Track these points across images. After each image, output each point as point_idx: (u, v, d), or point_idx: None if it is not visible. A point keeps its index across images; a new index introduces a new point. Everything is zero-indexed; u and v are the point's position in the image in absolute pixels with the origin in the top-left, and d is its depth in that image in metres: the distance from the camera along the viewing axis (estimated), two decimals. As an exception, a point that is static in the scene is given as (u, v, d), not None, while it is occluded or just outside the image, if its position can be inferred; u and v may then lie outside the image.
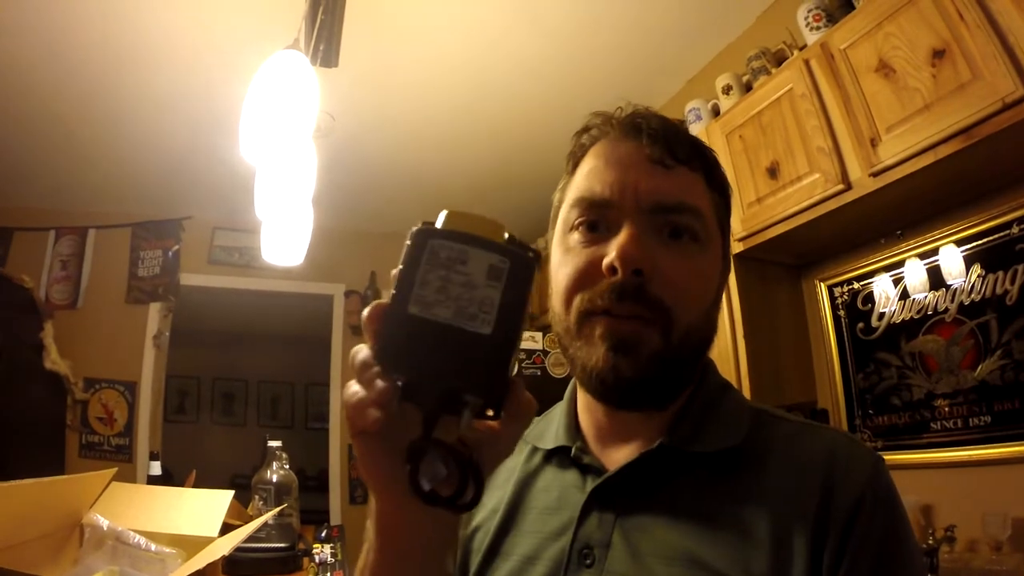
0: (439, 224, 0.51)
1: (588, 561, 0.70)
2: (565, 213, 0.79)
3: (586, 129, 0.82)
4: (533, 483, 0.82)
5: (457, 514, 0.50)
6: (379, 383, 0.48)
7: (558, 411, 0.88)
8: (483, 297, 0.49)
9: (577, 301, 0.73)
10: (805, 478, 0.68)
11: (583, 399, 0.83)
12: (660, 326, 0.70)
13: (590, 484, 0.75)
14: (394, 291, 0.49)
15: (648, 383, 0.72)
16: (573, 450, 0.79)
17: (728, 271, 0.83)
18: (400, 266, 0.50)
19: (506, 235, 0.52)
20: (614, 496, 0.73)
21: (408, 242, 0.50)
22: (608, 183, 0.75)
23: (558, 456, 0.82)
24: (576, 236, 0.76)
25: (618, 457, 0.77)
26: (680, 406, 0.77)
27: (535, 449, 0.86)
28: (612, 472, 0.74)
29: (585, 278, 0.73)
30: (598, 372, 0.70)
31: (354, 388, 0.49)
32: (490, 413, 0.50)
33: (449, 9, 2.92)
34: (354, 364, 0.50)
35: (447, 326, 0.48)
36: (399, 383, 0.48)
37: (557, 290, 0.76)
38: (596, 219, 0.75)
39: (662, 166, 0.75)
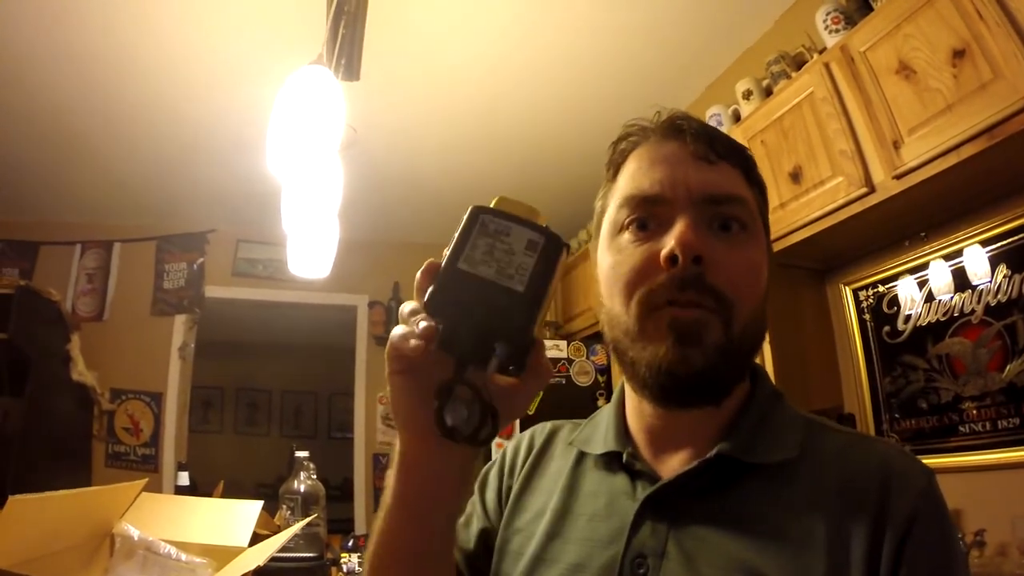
0: (493, 206, 0.62)
1: (642, 571, 0.69)
2: (613, 215, 0.79)
3: (624, 136, 0.83)
4: (581, 488, 0.81)
5: (474, 449, 0.58)
6: (424, 323, 0.55)
7: (605, 415, 0.87)
8: (520, 263, 0.58)
9: (638, 296, 0.72)
10: (860, 490, 0.67)
11: (633, 403, 0.83)
12: (721, 316, 0.70)
13: (641, 491, 0.74)
14: (449, 251, 0.59)
15: (713, 375, 0.71)
16: (624, 456, 0.78)
17: (773, 265, 0.82)
18: (455, 234, 0.60)
19: (547, 225, 0.62)
20: (668, 504, 0.72)
21: (466, 217, 0.61)
22: (657, 180, 0.75)
23: (607, 461, 0.81)
24: (627, 236, 0.76)
25: (671, 463, 0.76)
26: (734, 412, 0.77)
27: (582, 454, 0.85)
28: (668, 480, 0.73)
29: (644, 274, 0.72)
30: (667, 366, 0.70)
31: (400, 328, 0.57)
32: (512, 368, 0.58)
33: (469, 19, 2.95)
34: (402, 314, 0.58)
35: (488, 282, 0.57)
36: (440, 329, 0.55)
37: (614, 292, 0.75)
38: (646, 216, 0.75)
39: (707, 162, 0.76)
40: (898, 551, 0.63)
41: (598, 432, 0.85)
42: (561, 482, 0.83)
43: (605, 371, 3.81)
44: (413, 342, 0.55)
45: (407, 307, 0.58)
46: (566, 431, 0.92)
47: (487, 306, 0.56)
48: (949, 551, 0.66)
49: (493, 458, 0.96)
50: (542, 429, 0.95)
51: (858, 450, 0.73)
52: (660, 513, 0.72)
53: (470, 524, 0.88)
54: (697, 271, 0.70)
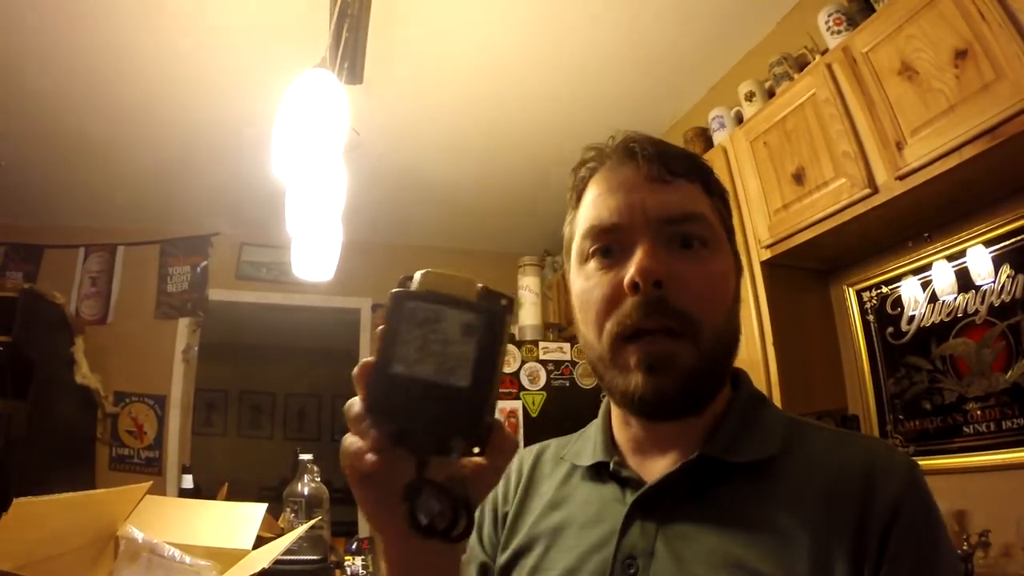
0: (415, 285, 0.56)
1: (632, 571, 0.71)
2: (578, 245, 0.82)
3: (583, 163, 0.85)
4: (572, 499, 0.84)
5: (453, 544, 0.53)
6: (373, 432, 0.53)
7: (593, 428, 0.90)
8: (459, 353, 0.53)
9: (608, 328, 0.75)
10: (843, 484, 0.69)
11: (618, 415, 0.85)
12: (690, 337, 0.73)
13: (630, 496, 0.77)
14: (379, 351, 0.54)
15: (688, 394, 0.74)
16: (612, 464, 0.81)
17: (741, 271, 0.85)
18: (382, 326, 0.54)
19: (480, 287, 0.56)
20: (655, 506, 0.74)
21: (387, 304, 0.55)
22: (614, 208, 0.78)
23: (596, 471, 0.84)
24: (593, 264, 0.79)
25: (656, 468, 0.78)
26: (717, 416, 0.79)
27: (573, 467, 0.87)
28: (653, 482, 0.75)
29: (611, 302, 0.75)
30: (640, 395, 0.73)
31: (351, 439, 0.54)
32: (476, 451, 0.55)
33: (472, 23, 2.96)
34: (349, 417, 0.54)
35: (429, 382, 0.52)
36: (391, 430, 0.53)
37: (587, 320, 0.79)
38: (608, 244, 0.78)
39: (661, 182, 0.78)
40: (882, 541, 0.65)
41: (587, 445, 0.88)
42: (554, 496, 0.86)
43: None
44: (368, 457, 0.52)
45: (354, 408, 0.54)
46: (553, 449, 0.95)
47: (434, 407, 0.52)
48: (935, 540, 0.67)
49: None
50: (529, 453, 0.97)
51: (842, 445, 0.76)
52: (648, 515, 0.74)
53: (469, 563, 0.90)
54: (659, 295, 0.72)
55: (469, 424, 0.53)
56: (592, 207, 0.80)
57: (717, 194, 0.83)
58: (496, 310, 0.55)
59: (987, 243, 2.10)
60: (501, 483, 0.94)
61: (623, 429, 0.84)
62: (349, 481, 0.57)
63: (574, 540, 0.78)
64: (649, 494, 0.75)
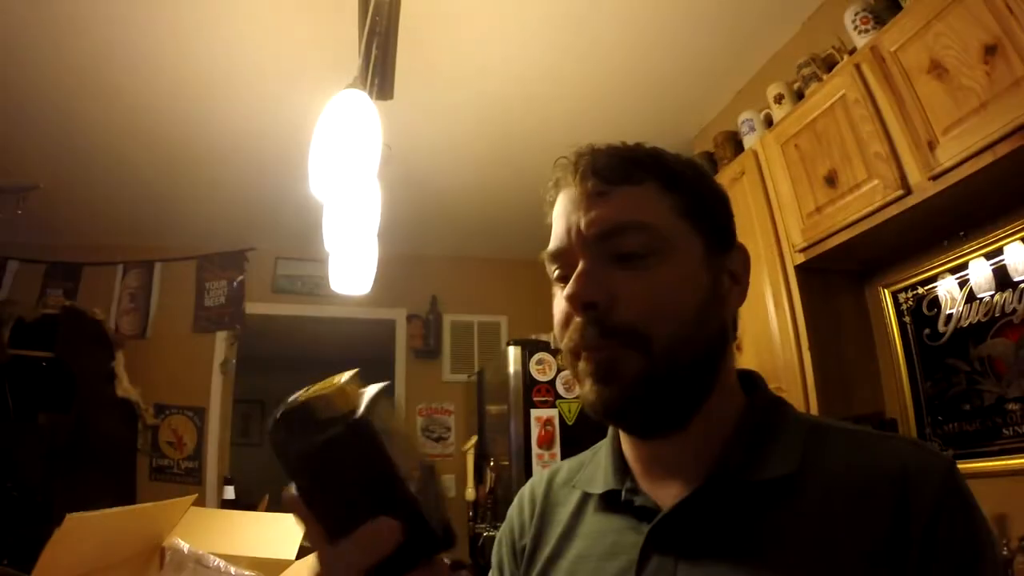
0: (275, 419, 0.50)
1: None
2: (548, 269, 0.81)
3: (547, 192, 0.83)
4: (587, 530, 0.80)
5: None
6: None
7: (603, 451, 0.86)
8: (359, 487, 0.49)
9: (564, 347, 0.76)
10: (875, 495, 0.65)
11: (625, 434, 0.83)
12: (636, 347, 0.70)
13: (645, 526, 0.73)
14: (309, 533, 0.51)
15: (643, 403, 0.71)
16: (623, 493, 0.78)
17: (728, 263, 0.79)
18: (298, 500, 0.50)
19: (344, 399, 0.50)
20: (672, 536, 0.71)
21: (280, 463, 0.50)
22: (558, 234, 0.77)
23: (608, 500, 0.80)
24: (557, 288, 0.78)
25: (670, 491, 0.74)
26: (729, 428, 0.75)
27: (586, 495, 0.84)
28: (666, 512, 0.72)
29: (564, 325, 0.75)
30: (589, 405, 0.73)
31: None
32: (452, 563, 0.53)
33: (499, 34, 2.97)
34: None
35: (362, 531, 0.48)
36: None
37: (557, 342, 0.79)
38: (562, 268, 0.77)
39: (597, 195, 0.75)
40: (921, 559, 0.62)
41: (599, 470, 0.84)
42: (568, 527, 0.83)
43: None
44: None
45: None
46: (564, 473, 0.92)
47: (393, 554, 0.48)
48: (977, 542, 0.64)
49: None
50: (539, 479, 0.95)
51: (867, 451, 0.71)
52: (665, 546, 0.71)
53: None
54: (594, 316, 0.71)
55: (428, 545, 0.51)
56: (551, 234, 0.79)
57: (683, 189, 0.77)
58: (358, 421, 0.49)
59: (1025, 240, 2.07)
60: (516, 514, 0.93)
61: (632, 450, 0.81)
62: None
63: (592, 575, 0.75)
64: (664, 524, 0.71)
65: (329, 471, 0.48)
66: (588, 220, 0.74)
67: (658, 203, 0.75)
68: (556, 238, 0.77)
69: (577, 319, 0.72)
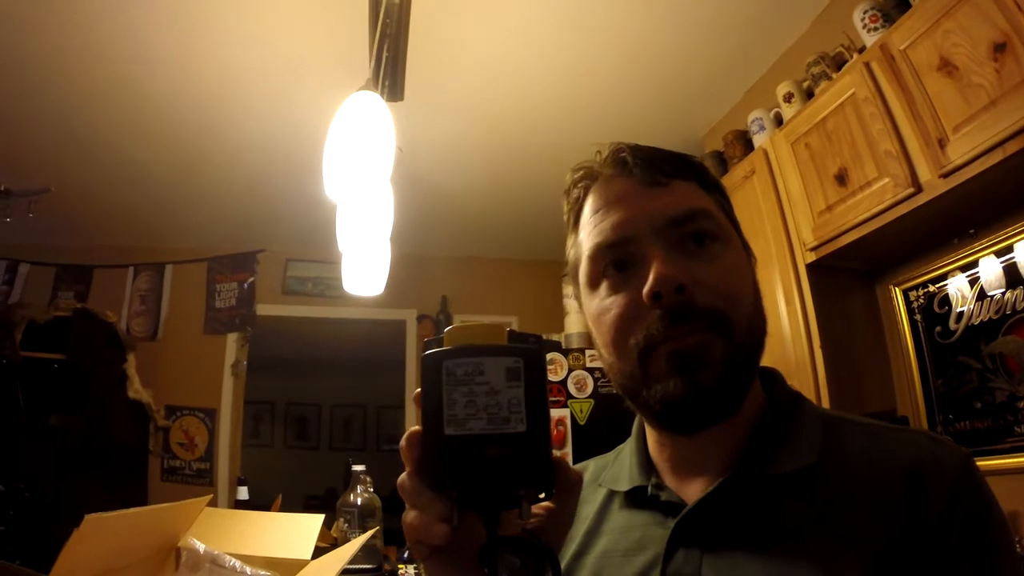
0: (445, 344, 0.54)
1: None
2: (587, 267, 0.78)
3: (574, 183, 0.83)
4: (614, 527, 0.80)
5: None
6: (436, 503, 0.51)
7: (628, 450, 0.87)
8: (509, 399, 0.51)
9: (634, 344, 0.72)
10: (892, 486, 0.66)
11: (651, 434, 0.83)
12: (721, 331, 0.70)
13: (671, 521, 0.73)
14: (425, 417, 0.52)
15: (726, 388, 0.71)
16: (649, 488, 0.78)
17: (754, 261, 0.81)
18: (420, 390, 0.52)
19: (508, 329, 0.54)
20: (697, 530, 0.71)
21: (423, 368, 0.53)
22: (617, 222, 0.75)
23: (634, 496, 0.80)
24: (606, 285, 0.76)
25: (696, 487, 0.75)
26: (752, 421, 0.76)
27: (612, 493, 0.84)
28: (691, 506, 0.72)
29: (633, 319, 0.72)
30: (680, 397, 0.69)
31: (412, 515, 0.52)
32: (543, 496, 0.54)
33: (508, 31, 2.98)
34: (405, 492, 0.52)
35: (486, 436, 0.50)
36: (455, 496, 0.51)
37: (608, 342, 0.75)
38: (619, 258, 0.75)
39: (657, 186, 0.75)
40: (941, 540, 0.62)
41: (624, 469, 0.85)
42: (594, 524, 0.83)
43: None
44: (437, 531, 0.50)
45: (408, 484, 0.52)
46: (591, 472, 0.92)
47: (495, 461, 0.50)
48: (994, 533, 0.64)
49: None
50: None
51: (884, 443, 0.72)
52: (691, 540, 0.71)
53: None
54: (682, 299, 0.69)
55: (535, 469, 0.51)
56: (593, 226, 0.77)
57: (715, 189, 0.80)
58: (533, 349, 0.53)
59: (1036, 237, 2.07)
60: None
61: (657, 448, 0.81)
62: (417, 558, 0.54)
63: (619, 570, 0.75)
64: (690, 518, 0.72)
65: (489, 388, 0.52)
66: (658, 207, 0.74)
67: (706, 197, 0.78)
68: (612, 228, 0.75)
69: (654, 311, 0.70)
